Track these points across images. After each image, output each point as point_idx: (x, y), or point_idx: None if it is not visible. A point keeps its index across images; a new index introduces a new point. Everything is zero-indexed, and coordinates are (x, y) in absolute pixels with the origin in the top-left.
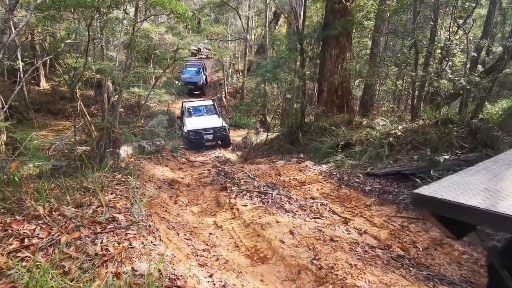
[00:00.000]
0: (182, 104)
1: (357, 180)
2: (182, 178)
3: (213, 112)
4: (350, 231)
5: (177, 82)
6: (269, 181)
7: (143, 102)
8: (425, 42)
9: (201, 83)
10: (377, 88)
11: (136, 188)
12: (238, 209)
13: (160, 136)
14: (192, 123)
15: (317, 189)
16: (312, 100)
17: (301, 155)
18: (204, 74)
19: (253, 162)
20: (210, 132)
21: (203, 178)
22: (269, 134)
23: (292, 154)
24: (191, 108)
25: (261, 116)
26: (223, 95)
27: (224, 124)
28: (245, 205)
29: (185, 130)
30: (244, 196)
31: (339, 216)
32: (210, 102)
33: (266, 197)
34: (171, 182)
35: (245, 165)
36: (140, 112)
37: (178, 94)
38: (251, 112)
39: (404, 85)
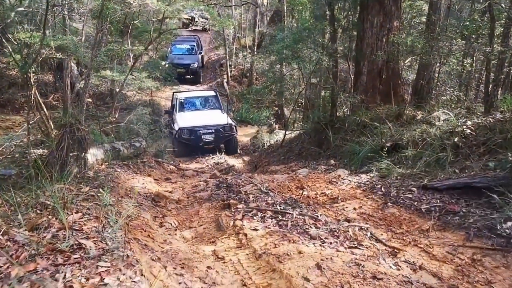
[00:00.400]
0: (173, 95)
1: (410, 196)
2: (170, 192)
3: (215, 106)
4: (399, 266)
5: (163, 63)
6: (288, 196)
7: (117, 90)
8: (504, 6)
9: (196, 66)
10: (437, 69)
11: (110, 205)
12: (245, 235)
13: (141, 136)
14: (185, 119)
15: (354, 208)
16: (347, 86)
17: (332, 161)
18: (200, 53)
19: (265, 171)
20: (210, 131)
21: (198, 193)
22: (287, 132)
23: (319, 160)
24: (185, 100)
25: (276, 109)
26: (225, 80)
27: (231, 122)
28: (256, 229)
29: (176, 128)
30: (254, 217)
31: (385, 245)
32: (211, 93)
33: (284, 219)
34: (156, 197)
35: (255, 174)
36: (114, 103)
37: (165, 80)
38: (263, 103)
39: (474, 65)
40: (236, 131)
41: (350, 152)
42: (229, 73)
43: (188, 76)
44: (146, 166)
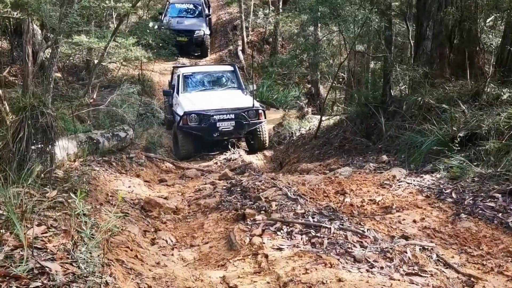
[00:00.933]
0: (173, 71)
1: (492, 205)
2: (166, 198)
3: (234, 85)
4: None
5: (155, 26)
6: (324, 204)
7: (96, 62)
8: None
9: (202, 33)
10: None
11: (84, 215)
12: (266, 256)
13: (127, 123)
14: (193, 102)
15: (414, 221)
16: (405, 55)
17: (384, 157)
18: (207, 15)
19: (294, 170)
20: (228, 117)
21: (203, 199)
22: (324, 118)
23: (366, 155)
24: (192, 77)
25: (309, 86)
26: (239, 48)
27: (257, 105)
28: (280, 249)
29: (180, 113)
30: (278, 232)
31: (457, 271)
32: (227, 68)
33: (318, 235)
34: (146, 205)
35: (280, 175)
36: (91, 79)
37: (158, 49)
38: (291, 79)
39: None
40: (265, 117)
41: (409, 145)
42: (245, 38)
43: (191, 48)
44: (134, 163)
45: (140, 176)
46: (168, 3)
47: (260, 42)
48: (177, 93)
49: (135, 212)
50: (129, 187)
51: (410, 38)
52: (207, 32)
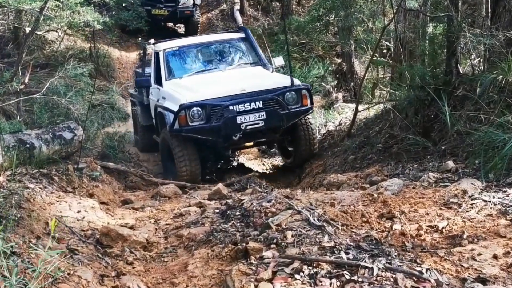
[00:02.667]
0: (145, 51)
1: None
2: (132, 227)
3: (247, 59)
4: None
5: None
6: (362, 233)
7: (27, 30)
8: None
9: (190, 2)
10: None
11: (13, 254)
12: None
13: (74, 119)
14: (191, 89)
15: (495, 256)
16: (478, 13)
17: (449, 163)
18: None
19: (318, 184)
20: (254, 106)
21: (187, 228)
22: (360, 108)
23: (423, 160)
24: (180, 54)
25: (339, 61)
26: (236, 7)
27: (298, 82)
28: None
29: (173, 109)
30: (297, 275)
31: None
32: (236, 35)
33: (355, 278)
34: (104, 237)
35: (298, 191)
36: (22, 55)
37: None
38: (312, 50)
39: None
40: (312, 102)
41: (486, 145)
42: None
43: (173, 23)
44: (86, 177)
45: (94, 195)
46: None
47: (265, 3)
48: (159, 82)
49: (88, 249)
50: (78, 212)
51: None
52: (198, 1)
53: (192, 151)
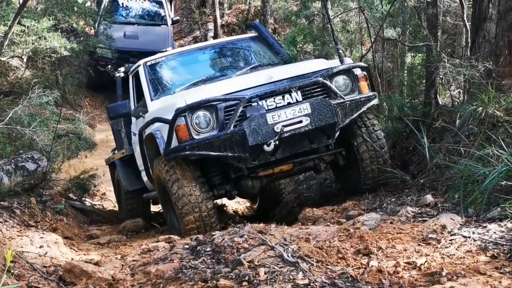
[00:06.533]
0: (117, 79)
1: None
2: (97, 263)
3: (267, 60)
4: None
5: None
6: (338, 270)
7: None
8: None
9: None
10: None
11: None
12: None
13: (38, 149)
14: (191, 92)
15: None
16: (458, 44)
17: (428, 197)
18: (174, 22)
19: (292, 217)
20: (291, 98)
21: (155, 265)
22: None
23: (401, 194)
24: (171, 65)
25: None
26: (210, 35)
27: (349, 60)
28: None
29: (167, 117)
30: None
31: None
32: (247, 35)
33: None
34: (67, 274)
35: (272, 225)
36: None
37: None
38: None
39: None
40: (373, 88)
41: (466, 179)
42: (218, 20)
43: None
44: (49, 210)
45: (58, 230)
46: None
47: (241, 25)
48: (142, 104)
49: (50, 286)
50: (41, 247)
51: (464, 18)
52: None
53: (199, 184)
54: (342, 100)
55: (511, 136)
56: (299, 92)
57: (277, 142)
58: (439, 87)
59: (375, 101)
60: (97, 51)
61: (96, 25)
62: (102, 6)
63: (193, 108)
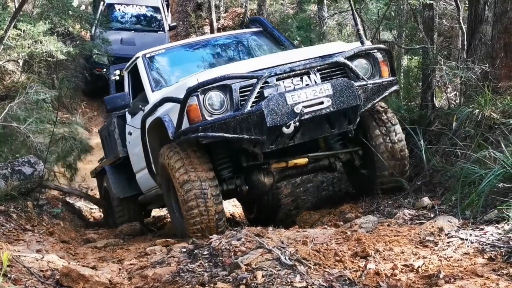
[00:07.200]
0: (112, 82)
1: None
2: (94, 267)
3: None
4: None
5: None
6: (335, 273)
7: None
8: None
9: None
10: None
11: None
12: None
13: (33, 149)
14: (202, 73)
15: None
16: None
17: (425, 200)
18: (171, 28)
19: (290, 221)
20: (311, 78)
21: (152, 269)
22: None
23: (398, 197)
24: (173, 57)
25: None
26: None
27: (368, 43)
28: None
29: (179, 96)
30: None
31: None
32: (250, 30)
33: None
34: (64, 278)
35: (269, 228)
36: None
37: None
38: None
39: None
40: (393, 74)
41: (463, 181)
42: (214, 23)
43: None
44: (46, 215)
45: (54, 234)
46: (103, 3)
47: (237, 28)
48: (140, 99)
49: None
50: (37, 251)
51: (461, 21)
52: (167, 27)
53: (207, 172)
54: (364, 83)
55: (508, 138)
56: (318, 74)
57: (297, 123)
58: (435, 90)
59: (396, 87)
60: (94, 57)
61: (93, 29)
62: (99, 11)
63: (206, 87)
